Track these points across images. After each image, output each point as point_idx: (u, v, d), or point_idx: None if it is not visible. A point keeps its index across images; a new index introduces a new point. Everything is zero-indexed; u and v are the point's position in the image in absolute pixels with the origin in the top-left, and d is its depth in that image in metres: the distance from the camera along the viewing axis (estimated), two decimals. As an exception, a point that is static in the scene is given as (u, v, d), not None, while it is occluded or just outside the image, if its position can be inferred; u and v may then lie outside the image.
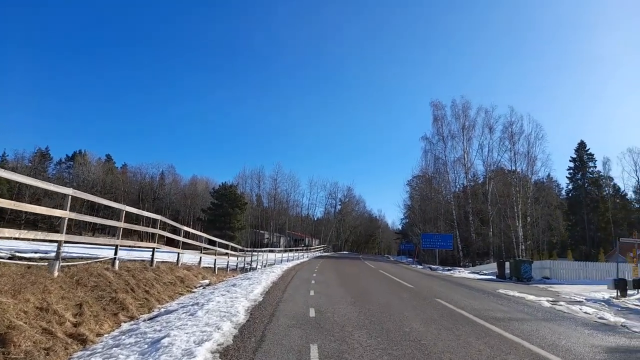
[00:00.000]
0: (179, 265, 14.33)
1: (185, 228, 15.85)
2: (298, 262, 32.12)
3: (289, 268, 21.37)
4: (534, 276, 21.29)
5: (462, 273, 27.27)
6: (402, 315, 7.44)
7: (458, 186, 53.73)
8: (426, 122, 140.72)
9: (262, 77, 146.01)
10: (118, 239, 9.78)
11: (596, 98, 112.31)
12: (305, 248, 60.30)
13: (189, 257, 18.88)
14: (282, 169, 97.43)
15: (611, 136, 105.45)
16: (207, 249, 19.38)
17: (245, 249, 32.91)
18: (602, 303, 12.27)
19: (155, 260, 11.98)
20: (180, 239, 15.12)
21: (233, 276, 17.22)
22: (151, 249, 12.17)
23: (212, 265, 17.91)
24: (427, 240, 41.89)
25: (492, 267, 31.09)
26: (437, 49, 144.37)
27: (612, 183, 67.38)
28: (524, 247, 47.71)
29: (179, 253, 14.66)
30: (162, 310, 8.37)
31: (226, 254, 21.65)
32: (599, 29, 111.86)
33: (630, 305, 12.07)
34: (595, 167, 66.95)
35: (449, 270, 30.88)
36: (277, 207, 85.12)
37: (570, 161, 67.65)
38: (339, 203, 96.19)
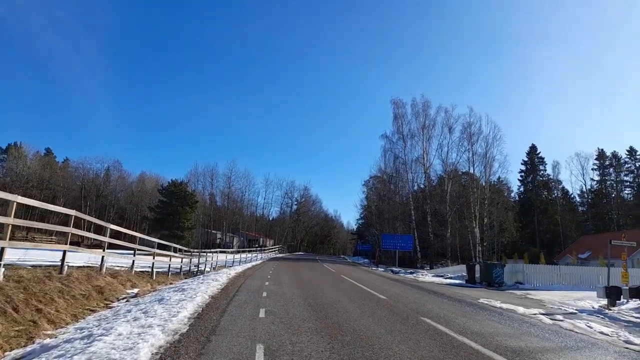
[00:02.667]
0: (103, 271, 11.50)
1: (113, 226, 12.90)
2: (251, 264, 29.37)
3: (239, 273, 18.65)
4: (506, 281, 19.81)
5: (427, 277, 25.63)
6: (393, 354, 5.08)
7: (417, 186, 52.86)
8: (386, 122, 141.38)
9: (216, 70, 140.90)
10: (5, 239, 6.95)
11: (548, 103, 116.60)
12: (259, 249, 57.49)
13: (119, 261, 15.93)
14: (237, 166, 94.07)
15: (560, 141, 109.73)
16: (143, 250, 16.47)
17: (192, 250, 29.78)
18: (601, 316, 10.70)
19: (66, 265, 9.27)
20: (105, 239, 12.17)
21: (171, 283, 14.46)
22: (62, 251, 9.29)
23: (150, 270, 15.29)
24: (387, 241, 40.24)
25: (456, 269, 29.76)
26: (398, 48, 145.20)
27: (560, 186, 69.36)
28: (480, 249, 47.39)
29: (103, 256, 11.76)
30: (46, 342, 5.62)
31: (170, 255, 18.76)
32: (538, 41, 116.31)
33: (631, 318, 10.52)
34: (546, 170, 68.78)
35: (411, 273, 29.22)
36: (230, 206, 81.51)
37: (522, 164, 69.08)
38: (296, 203, 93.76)
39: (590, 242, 51.16)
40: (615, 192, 65.63)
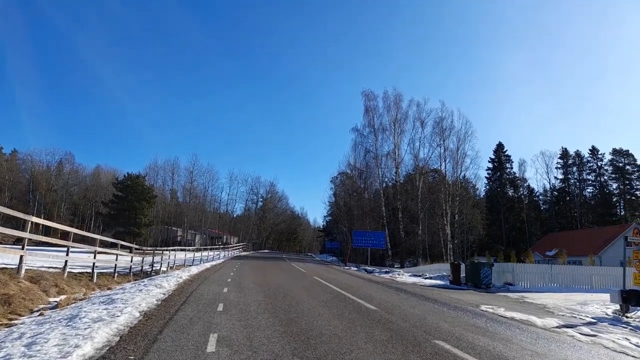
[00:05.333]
0: (21, 274, 9.01)
1: (36, 219, 10.14)
2: (212, 263, 26.59)
3: (193, 276, 15.96)
4: (494, 282, 18.06)
5: (404, 276, 23.69)
6: None
7: (388, 182, 51.25)
8: (357, 117, 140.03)
9: (179, 62, 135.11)
10: None
11: (516, 103, 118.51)
12: (222, 246, 54.52)
13: (52, 262, 13.50)
14: (200, 161, 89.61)
15: (526, 139, 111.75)
16: (78, 248, 13.83)
17: (146, 248, 26.77)
18: (628, 327, 8.95)
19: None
20: (25, 234, 9.44)
21: (109, 288, 11.94)
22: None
23: (91, 270, 12.99)
24: (359, 239, 38.25)
25: (433, 268, 28.07)
26: (369, 44, 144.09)
27: (526, 184, 69.88)
28: (451, 246, 46.39)
29: (21, 256, 9.12)
30: None
31: (117, 254, 15.99)
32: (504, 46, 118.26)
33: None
34: (512, 168, 69.09)
35: (387, 272, 27.25)
36: (192, 202, 77.57)
37: (489, 162, 69.03)
38: (261, 199, 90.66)
39: (556, 240, 51.28)
40: (578, 191, 66.62)
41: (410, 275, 24.69)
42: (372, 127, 49.28)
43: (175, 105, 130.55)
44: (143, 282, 12.65)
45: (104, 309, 7.05)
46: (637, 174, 62.64)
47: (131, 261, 17.95)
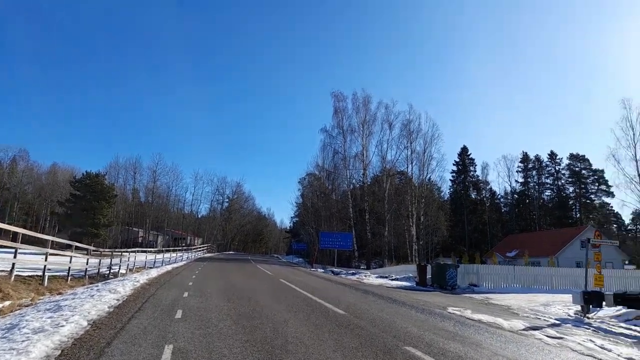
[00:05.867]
0: None
1: None
2: (173, 266, 25.65)
3: (154, 278, 15.24)
4: (459, 283, 18.21)
5: (371, 278, 23.64)
6: None
7: (356, 183, 51.38)
8: (325, 118, 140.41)
9: (140, 56, 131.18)
10: None
11: (481, 107, 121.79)
12: (186, 248, 52.99)
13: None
14: (164, 160, 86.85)
15: (490, 143, 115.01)
16: (26, 249, 12.88)
17: (102, 249, 25.52)
18: (590, 328, 9.16)
19: None
20: None
21: (59, 293, 11.17)
22: None
23: (42, 274, 12.18)
24: (326, 240, 38.01)
25: (399, 269, 28.19)
26: (340, 48, 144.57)
27: (488, 187, 71.78)
28: (416, 247, 46.97)
29: None
30: None
31: (71, 256, 15.00)
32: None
33: (623, 330, 8.99)
34: (476, 171, 70.79)
35: (353, 274, 27.12)
36: (155, 202, 75.27)
37: (454, 165, 70.44)
38: (227, 200, 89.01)
39: (516, 241, 52.90)
40: (537, 194, 69.07)
41: (376, 277, 24.66)
42: (340, 128, 49.35)
43: (139, 104, 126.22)
44: (97, 286, 11.85)
45: (49, 318, 6.42)
46: (592, 178, 65.56)
47: (87, 263, 16.97)
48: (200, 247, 60.13)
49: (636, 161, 41.01)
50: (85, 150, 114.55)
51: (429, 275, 19.12)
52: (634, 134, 41.42)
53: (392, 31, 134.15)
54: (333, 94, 50.42)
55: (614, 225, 63.35)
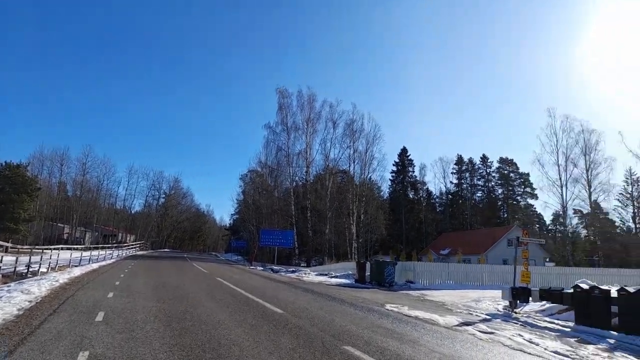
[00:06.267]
0: None
1: None
2: (100, 264, 24.08)
3: (77, 277, 14.07)
4: (397, 280, 18.57)
5: (311, 276, 23.55)
6: None
7: (299, 181, 51.22)
8: (269, 116, 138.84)
9: (68, 46, 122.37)
10: None
11: (419, 111, 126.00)
12: (116, 245, 50.08)
13: None
14: (95, 152, 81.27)
15: (427, 145, 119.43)
16: None
17: (20, 246, 23.36)
18: (518, 323, 9.55)
19: None
20: None
21: None
22: None
23: None
24: (267, 237, 37.47)
25: (338, 267, 28.35)
26: (285, 47, 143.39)
27: (425, 187, 74.49)
28: (355, 245, 47.69)
29: None
30: None
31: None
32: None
33: (547, 324, 9.50)
34: (414, 172, 73.18)
35: (293, 272, 26.91)
36: (84, 197, 70.28)
37: (393, 165, 72.33)
38: (164, 195, 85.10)
39: (449, 240, 55.45)
40: (469, 195, 72.82)
41: (316, 274, 24.63)
42: (285, 125, 48.88)
43: (68, 94, 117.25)
44: (9, 286, 10.66)
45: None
46: (518, 181, 70.21)
47: (0, 261, 15.30)
48: (132, 245, 57.08)
49: (558, 166, 44.48)
50: (5, 139, 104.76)
51: (367, 273, 19.34)
52: (557, 141, 44.91)
53: (340, 34, 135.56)
54: (278, 90, 49.88)
55: (537, 226, 68.15)
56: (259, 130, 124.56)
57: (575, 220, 53.31)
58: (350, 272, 22.78)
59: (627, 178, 47.90)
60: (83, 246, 42.13)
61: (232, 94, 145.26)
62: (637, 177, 46.49)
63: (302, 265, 42.05)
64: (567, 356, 6.14)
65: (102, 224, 72.28)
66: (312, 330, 6.60)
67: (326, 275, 24.25)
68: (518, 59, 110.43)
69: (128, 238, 73.03)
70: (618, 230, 48.60)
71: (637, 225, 47.65)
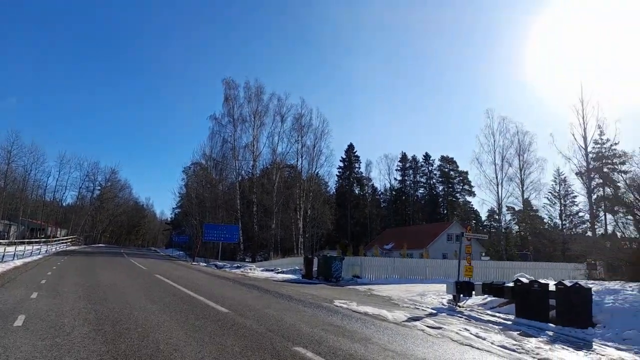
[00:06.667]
0: None
1: None
2: (25, 260, 22.18)
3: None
4: (343, 275, 18.58)
5: (257, 271, 23.08)
6: None
7: (245, 174, 50.21)
8: (214, 107, 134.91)
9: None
10: None
11: (366, 109, 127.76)
12: (45, 240, 46.44)
13: None
14: (22, 139, 74.84)
15: (374, 142, 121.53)
16: None
17: None
18: (463, 317, 9.71)
19: None
20: None
21: None
22: None
23: None
24: (210, 232, 36.27)
25: (285, 262, 28.05)
26: (232, 39, 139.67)
27: (371, 183, 76.03)
28: (302, 240, 47.64)
29: None
30: None
31: None
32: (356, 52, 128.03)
33: (489, 317, 9.79)
34: (360, 168, 74.49)
35: (238, 267, 26.28)
36: (9, 188, 64.58)
37: (340, 161, 73.13)
38: (99, 187, 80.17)
39: (392, 235, 56.91)
40: (412, 191, 75.21)
41: (262, 270, 24.19)
42: (231, 117, 47.62)
43: None
44: None
45: None
46: (458, 179, 73.49)
47: None
48: (63, 240, 53.28)
49: (495, 165, 46.91)
50: None
51: (315, 268, 19.21)
52: (494, 141, 47.34)
53: (289, 31, 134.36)
54: (225, 81, 48.51)
55: (473, 221, 71.72)
56: (203, 121, 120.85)
57: (508, 217, 56.74)
58: (297, 268, 22.57)
59: (555, 178, 51.56)
60: (7, 241, 38.55)
61: (175, 84, 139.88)
62: (564, 177, 50.10)
63: (247, 260, 41.30)
64: (513, 350, 6.23)
65: (30, 217, 66.88)
66: (261, 330, 6.25)
67: (272, 270, 23.87)
68: (460, 62, 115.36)
69: (59, 232, 68.09)
70: (546, 227, 52.20)
71: (563, 222, 51.43)
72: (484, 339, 6.88)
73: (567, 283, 8.95)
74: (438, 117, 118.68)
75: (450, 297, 12.00)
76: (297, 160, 50.16)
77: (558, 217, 52.03)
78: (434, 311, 10.30)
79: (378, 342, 5.99)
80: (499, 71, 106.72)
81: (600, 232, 35.11)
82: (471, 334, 7.32)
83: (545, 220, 53.60)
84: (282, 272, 22.60)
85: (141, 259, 30.69)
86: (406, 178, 75.64)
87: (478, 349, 6.20)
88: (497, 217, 52.44)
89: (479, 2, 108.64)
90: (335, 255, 20.20)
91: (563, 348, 6.66)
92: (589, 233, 39.16)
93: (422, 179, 75.95)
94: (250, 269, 24.58)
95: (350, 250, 34.07)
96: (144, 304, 8.41)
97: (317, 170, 51.93)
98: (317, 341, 5.74)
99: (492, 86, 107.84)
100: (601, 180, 35.68)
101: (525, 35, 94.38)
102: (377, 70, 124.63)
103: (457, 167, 73.37)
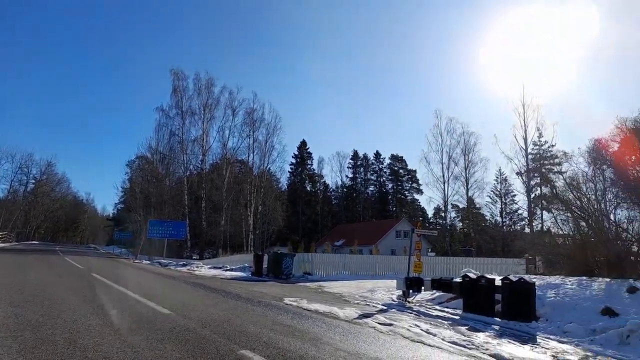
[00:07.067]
0: None
1: None
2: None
3: None
4: (294, 272, 18.29)
5: (204, 269, 22.25)
6: None
7: (193, 169, 48.55)
8: (161, 98, 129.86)
9: None
10: None
11: (319, 106, 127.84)
12: (-31, 237, 42.70)
13: None
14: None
15: (326, 139, 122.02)
16: None
17: None
18: (409, 312, 9.71)
19: None
20: None
21: None
22: None
23: None
24: (155, 228, 34.64)
25: (234, 259, 27.35)
26: (182, 31, 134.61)
27: (323, 180, 76.44)
28: (252, 237, 46.91)
29: None
30: None
31: None
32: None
33: (438, 312, 9.89)
34: (312, 164, 74.68)
35: (184, 265, 25.27)
36: None
37: (293, 157, 72.96)
38: (33, 181, 74.75)
39: (343, 231, 57.46)
40: (363, 189, 76.37)
41: (210, 268, 23.39)
42: (179, 109, 45.79)
43: None
44: None
45: None
46: (407, 177, 75.50)
47: None
48: (-10, 237, 49.15)
49: (442, 164, 48.57)
50: None
51: (265, 265, 18.77)
52: (442, 140, 48.99)
53: (246, 27, 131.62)
54: (173, 71, 46.50)
55: (420, 218, 73.96)
56: (149, 113, 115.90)
57: (453, 214, 59.01)
58: (246, 265, 22.02)
59: (497, 177, 54.22)
60: None
61: (119, 74, 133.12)
62: (505, 177, 52.78)
63: (194, 258, 40.05)
64: (464, 346, 6.21)
65: (-50, 212, 61.18)
66: (204, 333, 5.81)
67: (220, 268, 23.14)
68: (412, 63, 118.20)
69: (-15, 229, 62.84)
70: (488, 224, 54.80)
71: (504, 219, 54.20)
72: (435, 335, 6.85)
73: (513, 278, 9.17)
74: (389, 116, 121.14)
75: (400, 292, 12.07)
76: (248, 156, 49.31)
77: (499, 215, 54.81)
78: (385, 307, 10.27)
79: (329, 342, 5.75)
80: (449, 72, 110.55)
81: (537, 229, 37.20)
82: (422, 330, 7.28)
83: (487, 217, 56.30)
84: (231, 270, 21.96)
85: (78, 256, 28.74)
86: (357, 175, 76.70)
87: (430, 345, 6.13)
88: (442, 214, 54.37)
89: (430, 4, 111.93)
90: (286, 252, 19.87)
91: (510, 342, 6.75)
92: (528, 230, 41.46)
93: (372, 177, 77.40)
94: (197, 267, 23.70)
95: (302, 246, 33.92)
96: (74, 306, 7.66)
97: (269, 166, 51.30)
98: (265, 343, 5.41)
99: (442, 87, 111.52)
100: (539, 180, 37.81)
101: (475, 36, 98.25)
102: (330, 70, 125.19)
103: (406, 165, 75.42)
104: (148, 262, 29.27)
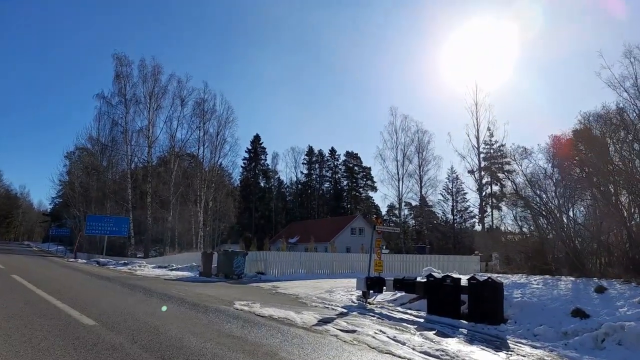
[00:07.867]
0: None
1: None
2: None
3: None
4: (246, 271, 17.15)
5: (147, 269, 20.62)
6: None
7: (138, 162, 45.77)
8: (102, 84, 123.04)
9: None
10: None
11: (274, 100, 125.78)
12: None
13: None
14: None
15: (280, 134, 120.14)
16: None
17: None
18: (371, 315, 9.02)
19: None
20: None
21: None
22: None
23: None
24: (95, 224, 32.12)
25: (182, 258, 25.69)
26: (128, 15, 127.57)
27: (277, 176, 75.17)
28: (202, 234, 45.02)
29: None
30: None
31: None
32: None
33: (402, 315, 9.26)
34: (266, 160, 73.22)
35: (125, 264, 23.38)
36: None
37: (246, 152, 71.30)
38: (-41, 172, 68.33)
39: (297, 228, 56.59)
40: (318, 185, 75.82)
41: (154, 267, 21.73)
42: (123, 97, 42.78)
43: None
44: None
45: None
46: (362, 174, 75.71)
47: None
48: None
49: (397, 161, 48.84)
50: None
51: (214, 264, 17.47)
52: (397, 138, 49.25)
53: (196, 16, 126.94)
54: (115, 55, 43.36)
55: (374, 216, 74.71)
56: (89, 101, 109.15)
57: (406, 212, 59.72)
58: (194, 264, 20.59)
59: (449, 175, 55.40)
60: None
61: (56, 58, 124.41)
62: (457, 175, 54.01)
63: (138, 256, 37.68)
64: (437, 357, 5.52)
65: None
66: (133, 350, 4.72)
67: (166, 267, 21.56)
68: (367, 59, 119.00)
69: None
70: (440, 221, 55.91)
71: (455, 217, 55.48)
72: (404, 344, 6.11)
73: (480, 278, 8.66)
74: (345, 113, 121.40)
75: (360, 293, 11.38)
76: (198, 149, 47.08)
77: (450, 213, 56.06)
78: (345, 310, 9.51)
79: (287, 358, 4.84)
80: (405, 70, 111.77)
81: (488, 227, 38.17)
82: (389, 337, 6.54)
83: (439, 215, 57.42)
84: (177, 269, 20.47)
85: (4, 255, 26.00)
86: (312, 172, 76.05)
87: (400, 357, 5.37)
88: (396, 211, 54.79)
89: (387, 2, 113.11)
90: (237, 250, 18.64)
91: (483, 349, 6.19)
92: (479, 227, 42.58)
93: (327, 173, 76.97)
94: (140, 266, 21.96)
95: (255, 244, 32.66)
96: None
97: (220, 160, 49.33)
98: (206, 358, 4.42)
99: (397, 85, 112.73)
100: (490, 179, 38.77)
101: (433, 34, 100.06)
102: (286, 65, 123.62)
103: (361, 162, 75.67)
104: (85, 261, 27.01)
